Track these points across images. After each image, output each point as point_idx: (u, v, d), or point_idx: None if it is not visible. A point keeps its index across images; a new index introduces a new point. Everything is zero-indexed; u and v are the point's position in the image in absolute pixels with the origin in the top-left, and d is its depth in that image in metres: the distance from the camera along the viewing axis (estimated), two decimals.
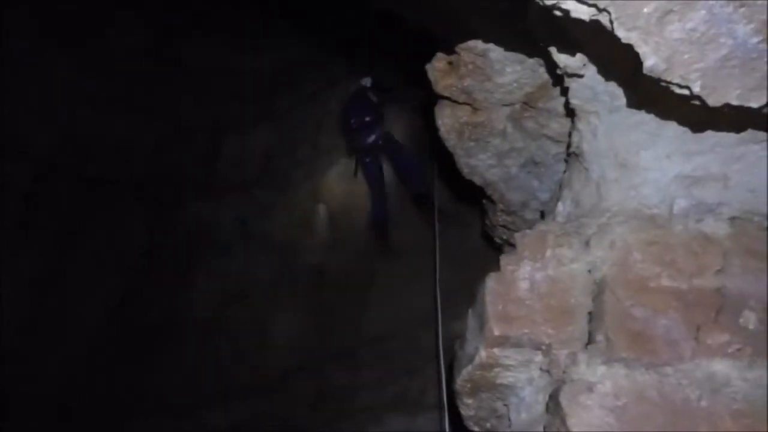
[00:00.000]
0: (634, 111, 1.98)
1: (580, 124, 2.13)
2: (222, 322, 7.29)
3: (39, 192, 8.14)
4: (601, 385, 1.60)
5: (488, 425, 2.16)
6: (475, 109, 2.49)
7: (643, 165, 2.00)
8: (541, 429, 1.73)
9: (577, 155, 2.20)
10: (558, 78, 2.25)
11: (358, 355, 5.84)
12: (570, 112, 2.27)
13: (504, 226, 3.14)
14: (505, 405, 2.03)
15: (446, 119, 2.56)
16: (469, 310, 2.02)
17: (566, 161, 2.39)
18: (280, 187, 8.24)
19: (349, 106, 6.31)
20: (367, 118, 6.08)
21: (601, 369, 1.64)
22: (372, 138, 6.09)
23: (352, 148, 6.39)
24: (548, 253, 1.92)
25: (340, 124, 6.44)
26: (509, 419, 1.98)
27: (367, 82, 6.40)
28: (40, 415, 6.91)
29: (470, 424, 2.19)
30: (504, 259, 1.92)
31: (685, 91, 1.56)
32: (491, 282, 1.89)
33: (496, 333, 1.82)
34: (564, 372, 1.73)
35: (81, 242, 8.30)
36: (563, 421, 1.58)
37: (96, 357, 7.51)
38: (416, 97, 6.12)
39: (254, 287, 7.38)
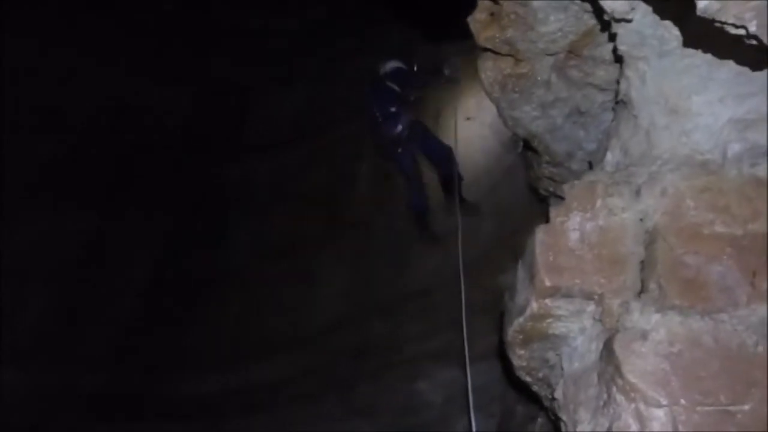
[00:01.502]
0: (684, 55, 1.92)
1: (628, 71, 2.08)
2: (265, 278, 7.42)
3: (79, 159, 8.33)
4: (655, 333, 1.61)
5: (540, 375, 2.19)
6: (518, 60, 2.45)
7: (694, 110, 1.96)
8: (595, 377, 1.76)
9: (625, 103, 2.16)
10: (604, 24, 2.20)
11: (401, 308, 5.92)
12: (617, 59, 2.22)
13: (550, 178, 3.12)
14: (557, 355, 2.06)
15: (489, 72, 2.53)
16: (519, 262, 2.04)
17: (613, 110, 2.35)
18: (318, 144, 8.27)
19: (371, 97, 6.05)
20: (392, 108, 5.85)
21: (655, 317, 1.64)
22: (399, 128, 5.86)
23: (380, 142, 6.12)
24: (598, 203, 1.91)
25: (366, 118, 6.18)
26: (561, 368, 2.01)
27: (386, 68, 6.10)
28: (95, 360, 7.18)
29: (522, 374, 2.22)
30: (553, 211, 1.92)
31: (741, 31, 1.51)
32: (541, 234, 1.90)
33: (547, 284, 1.84)
34: (617, 321, 1.74)
35: (122, 206, 8.49)
36: (617, 369, 1.60)
37: (143, 314, 7.75)
38: (440, 78, 5.97)
39: (296, 244, 7.48)
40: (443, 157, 5.97)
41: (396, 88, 5.90)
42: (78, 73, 8.50)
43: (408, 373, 5.40)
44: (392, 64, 6.08)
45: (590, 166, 2.53)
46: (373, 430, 5.52)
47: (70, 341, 7.31)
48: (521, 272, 2.00)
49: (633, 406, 1.56)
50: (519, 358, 2.11)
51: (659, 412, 1.53)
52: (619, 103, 2.20)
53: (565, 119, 2.60)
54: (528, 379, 2.19)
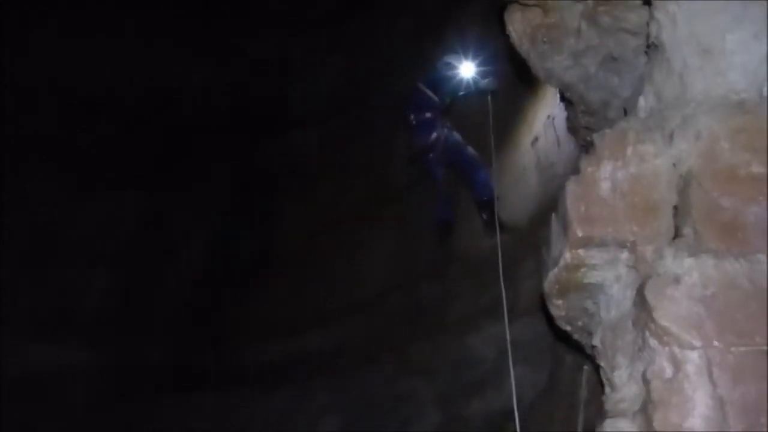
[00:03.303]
0: None
1: (658, 13, 2.03)
2: (315, 249, 7.57)
3: (129, 142, 8.59)
4: (688, 277, 1.61)
5: (579, 324, 2.21)
6: (546, 11, 2.41)
7: (728, 49, 1.90)
8: (630, 324, 1.77)
9: (657, 46, 2.11)
10: None
11: (449, 271, 5.97)
12: (647, 1, 2.16)
13: (587, 128, 3.08)
14: (595, 303, 2.07)
15: (517, 24, 2.49)
16: (552, 215, 2.05)
17: (646, 54, 2.30)
18: (358, 116, 8.27)
19: (407, 99, 5.89)
20: (428, 114, 5.68)
21: (688, 261, 1.64)
22: (433, 136, 5.67)
23: (412, 145, 5.98)
24: (629, 150, 1.90)
25: (401, 119, 6.00)
26: (599, 316, 2.02)
27: (421, 81, 5.86)
28: (158, 335, 7.52)
29: (562, 324, 2.25)
30: (584, 161, 1.91)
31: None
32: (572, 185, 1.90)
33: (580, 234, 1.85)
34: (650, 267, 1.74)
35: (174, 186, 8.74)
36: (650, 314, 1.61)
37: (202, 289, 8.03)
38: (477, 88, 5.69)
39: (341, 215, 7.58)
40: (475, 179, 5.69)
41: (432, 95, 5.71)
42: (124, 55, 8.72)
43: (459, 330, 5.47)
44: (430, 74, 5.88)
45: (625, 113, 2.49)
46: (430, 387, 5.65)
47: (134, 318, 7.66)
48: (555, 224, 2.01)
49: (667, 349, 1.57)
50: (557, 308, 2.13)
51: (693, 355, 1.54)
52: (651, 46, 2.15)
53: (599, 67, 2.55)
54: (568, 328, 2.21)
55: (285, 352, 6.92)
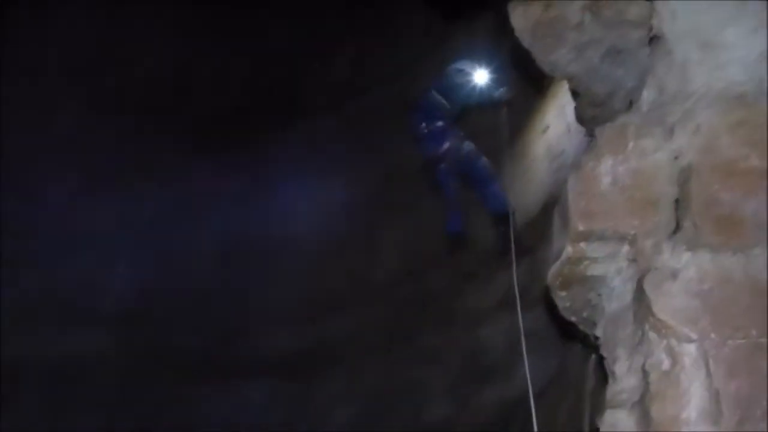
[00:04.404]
0: None
1: (659, 6, 2.05)
2: (328, 236, 7.61)
3: (145, 130, 8.66)
4: (686, 271, 1.64)
5: (584, 315, 2.24)
6: (547, 5, 2.42)
7: (728, 42, 1.92)
8: (631, 316, 1.80)
9: (659, 39, 2.12)
10: None
11: (461, 260, 5.99)
12: None
13: (593, 118, 3.08)
14: (598, 295, 2.10)
15: (519, 19, 2.50)
16: (554, 209, 2.07)
17: (649, 46, 2.31)
18: (370, 103, 8.28)
19: (419, 108, 5.71)
20: (439, 123, 5.51)
21: (686, 256, 1.67)
22: (445, 146, 5.49)
23: (423, 155, 5.78)
24: (630, 145, 1.92)
25: (412, 127, 5.83)
26: (602, 308, 2.05)
27: (433, 88, 5.66)
28: (176, 323, 7.63)
29: (567, 315, 2.28)
30: (584, 157, 1.94)
31: None
32: (572, 180, 1.93)
33: (581, 229, 1.88)
34: (650, 261, 1.77)
35: (190, 173, 8.81)
36: (648, 308, 1.64)
37: (218, 277, 8.11)
38: (489, 98, 5.56)
39: (352, 202, 7.61)
40: (488, 192, 5.52)
41: (445, 102, 5.55)
42: (136, 46, 8.77)
43: (471, 319, 5.51)
44: (441, 81, 5.69)
45: (630, 105, 2.49)
46: (442, 374, 5.70)
47: (153, 305, 7.76)
48: (557, 218, 2.04)
49: (665, 342, 1.61)
50: (561, 299, 2.16)
51: (690, 347, 1.57)
52: (653, 39, 2.16)
53: (602, 59, 2.54)
54: (573, 319, 2.24)
55: (299, 341, 6.99)
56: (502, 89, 5.55)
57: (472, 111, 5.84)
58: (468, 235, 5.79)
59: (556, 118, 5.25)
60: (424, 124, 5.58)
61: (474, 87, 5.54)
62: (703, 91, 1.94)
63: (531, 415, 3.02)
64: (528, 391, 3.17)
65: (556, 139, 5.32)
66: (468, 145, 5.58)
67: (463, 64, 5.61)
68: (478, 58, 5.59)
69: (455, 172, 5.61)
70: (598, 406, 2.23)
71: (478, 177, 5.56)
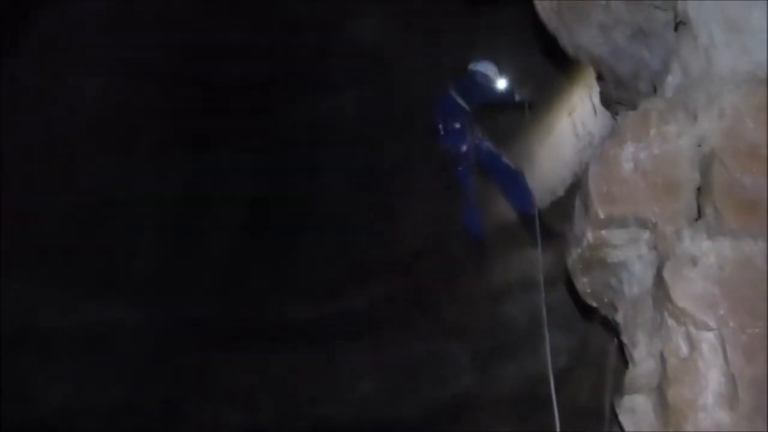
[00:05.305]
0: None
1: None
2: (353, 209, 7.65)
3: (171, 105, 8.72)
4: (705, 258, 1.65)
5: (606, 299, 2.26)
6: None
7: (755, 25, 1.90)
8: (650, 302, 1.83)
9: (684, 23, 2.10)
10: None
11: (486, 234, 5.99)
12: None
13: (619, 102, 3.06)
14: (619, 280, 2.12)
15: (545, 2, 2.50)
16: (576, 194, 2.09)
17: (675, 30, 2.29)
18: (397, 75, 8.24)
19: (437, 108, 5.57)
20: (457, 124, 5.36)
21: (706, 243, 1.68)
22: (463, 147, 5.35)
23: (442, 155, 5.66)
24: (652, 131, 1.92)
25: (431, 126, 5.68)
26: (623, 293, 2.08)
27: (453, 85, 5.51)
28: (202, 294, 7.78)
29: (588, 299, 2.31)
30: (606, 143, 1.95)
31: None
32: (594, 166, 1.94)
33: (602, 215, 1.89)
34: (670, 248, 1.78)
35: (217, 148, 8.89)
36: (667, 294, 1.66)
37: (244, 248, 8.23)
38: (509, 100, 5.43)
39: (383, 174, 7.63)
40: (511, 190, 5.42)
41: (463, 103, 5.41)
42: (158, 19, 8.79)
43: (495, 294, 5.55)
44: (460, 80, 5.58)
45: (655, 90, 2.48)
46: (465, 349, 5.77)
47: (179, 278, 7.90)
48: (578, 204, 2.06)
49: (683, 329, 1.63)
50: (583, 284, 2.19)
51: (708, 335, 1.60)
52: (679, 23, 2.14)
53: (628, 40, 2.53)
54: (594, 303, 2.27)
55: (323, 312, 7.08)
56: (521, 91, 5.44)
57: (492, 111, 5.73)
58: (489, 239, 5.70)
59: (582, 99, 5.19)
60: (440, 125, 5.46)
61: (494, 88, 5.46)
62: (727, 74, 1.93)
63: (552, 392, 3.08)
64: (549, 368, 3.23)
65: (581, 120, 5.27)
66: (487, 146, 5.46)
67: (483, 66, 5.50)
68: (499, 58, 5.51)
69: (475, 173, 5.49)
70: (619, 387, 2.26)
71: (500, 177, 5.48)
